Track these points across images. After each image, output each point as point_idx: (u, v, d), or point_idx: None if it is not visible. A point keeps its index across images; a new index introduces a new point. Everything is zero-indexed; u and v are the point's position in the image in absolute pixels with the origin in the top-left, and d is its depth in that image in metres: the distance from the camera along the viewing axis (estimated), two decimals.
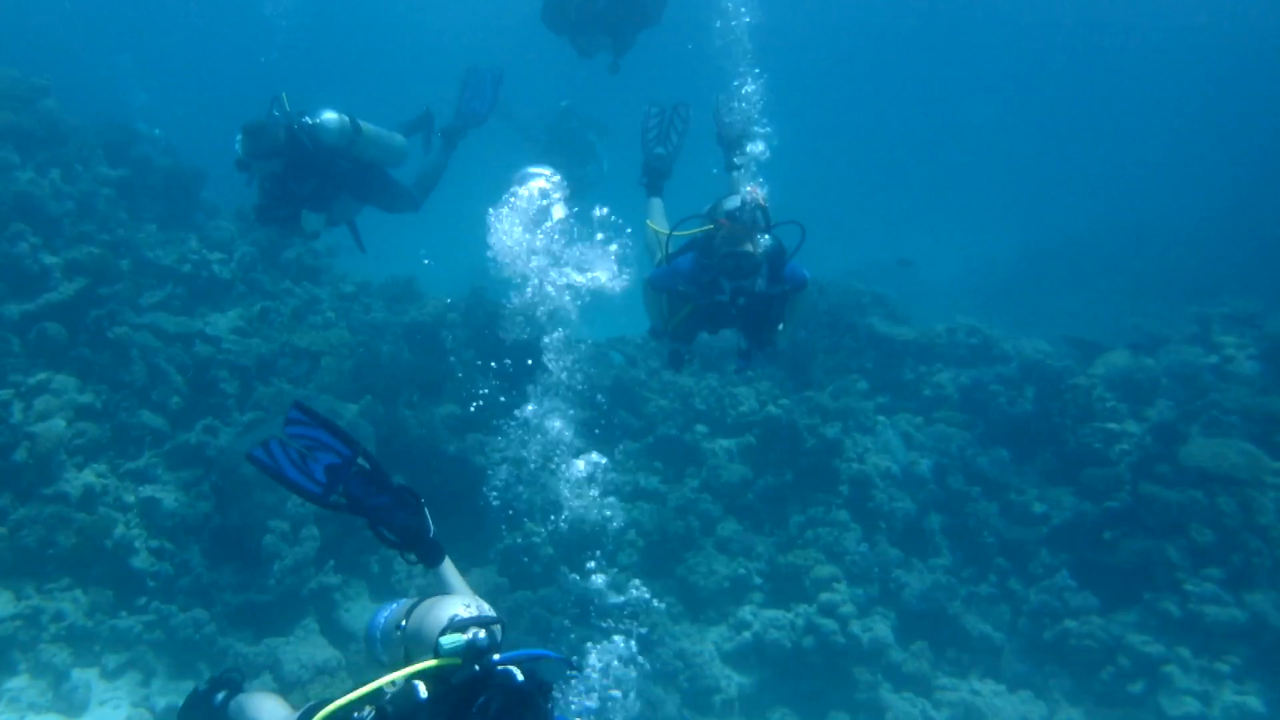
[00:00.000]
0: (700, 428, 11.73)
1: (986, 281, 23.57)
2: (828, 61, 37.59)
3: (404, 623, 3.43)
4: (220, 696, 4.44)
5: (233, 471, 9.46)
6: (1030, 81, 40.24)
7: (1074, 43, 37.85)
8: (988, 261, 25.17)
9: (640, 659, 9.66)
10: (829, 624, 9.60)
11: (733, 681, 9.61)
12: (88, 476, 9.40)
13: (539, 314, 10.70)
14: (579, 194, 17.93)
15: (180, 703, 7.80)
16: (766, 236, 6.50)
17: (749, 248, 6.17)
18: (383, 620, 3.60)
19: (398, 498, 3.91)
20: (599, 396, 11.65)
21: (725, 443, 11.45)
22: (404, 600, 3.63)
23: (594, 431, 11.67)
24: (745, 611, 10.01)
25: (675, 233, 7.04)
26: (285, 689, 8.52)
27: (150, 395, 10.22)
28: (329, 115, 7.90)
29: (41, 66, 14.17)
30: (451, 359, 11.81)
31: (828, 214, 31.99)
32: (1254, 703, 9.02)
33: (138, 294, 11.03)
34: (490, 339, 11.95)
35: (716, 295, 6.38)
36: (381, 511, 3.88)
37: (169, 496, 9.50)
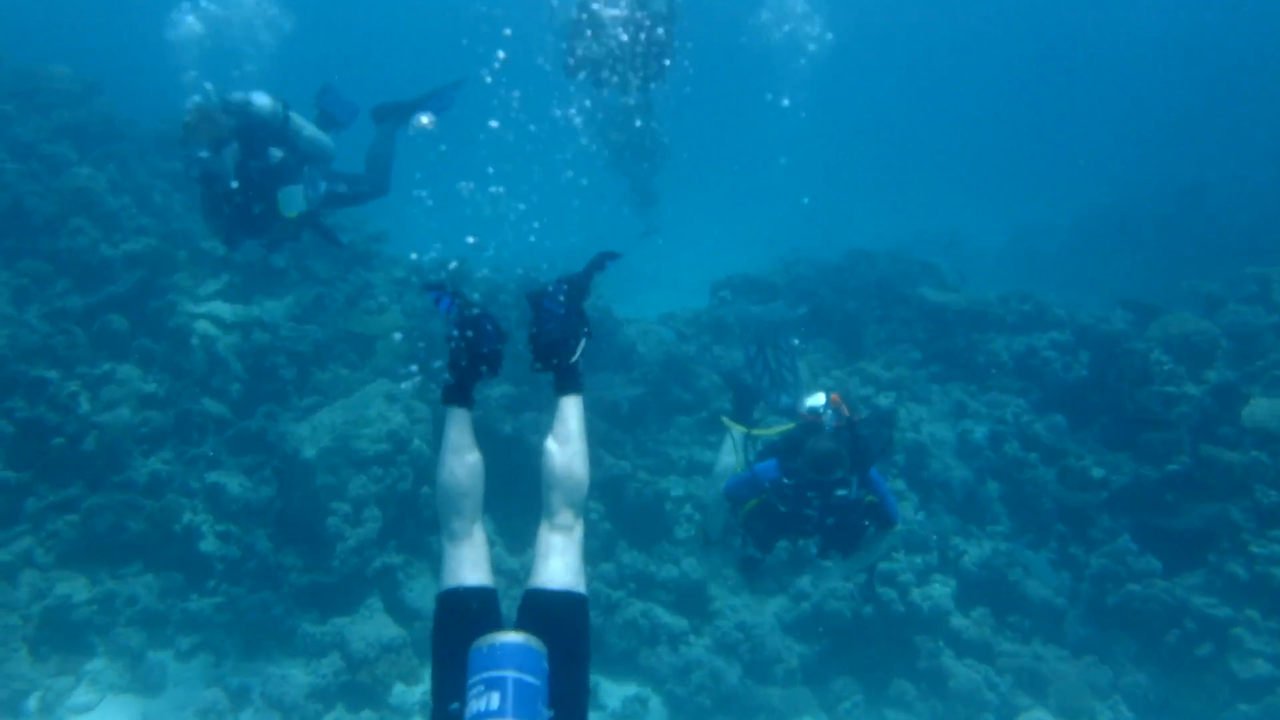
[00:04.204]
0: None
1: (1038, 249, 23.30)
2: (881, 33, 37.18)
3: None
4: (452, 374, 4.03)
5: (294, 457, 9.61)
6: (1077, 44, 39.57)
7: (1120, 4, 37.09)
8: (1039, 229, 24.85)
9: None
10: (889, 592, 9.58)
11: (794, 652, 9.63)
12: (154, 464, 9.62)
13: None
14: (646, 204, 18.08)
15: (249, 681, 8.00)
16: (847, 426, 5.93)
17: (838, 473, 5.56)
18: None
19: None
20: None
21: (777, 421, 11.42)
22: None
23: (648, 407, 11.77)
24: (804, 582, 10.01)
25: (755, 431, 6.50)
26: (353, 667, 8.70)
27: (211, 383, 10.42)
28: (259, 95, 7.43)
29: (94, 62, 14.43)
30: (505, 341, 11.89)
31: (878, 185, 31.87)
32: None
33: (196, 284, 11.22)
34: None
35: (804, 508, 5.82)
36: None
37: (233, 482, 9.69)
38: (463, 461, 3.86)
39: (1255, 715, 8.73)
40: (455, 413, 3.96)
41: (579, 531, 3.82)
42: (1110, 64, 39.33)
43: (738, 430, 6.72)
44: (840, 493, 5.65)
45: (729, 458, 6.77)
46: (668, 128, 16.90)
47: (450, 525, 3.77)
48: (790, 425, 6.28)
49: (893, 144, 38.44)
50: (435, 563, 9.95)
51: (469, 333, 4.01)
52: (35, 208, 11.33)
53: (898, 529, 6.31)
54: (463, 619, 3.45)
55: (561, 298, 4.15)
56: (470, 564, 3.66)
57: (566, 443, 3.94)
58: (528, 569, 3.82)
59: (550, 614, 3.50)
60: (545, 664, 3.21)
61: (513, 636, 3.23)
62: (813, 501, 5.71)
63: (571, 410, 4.02)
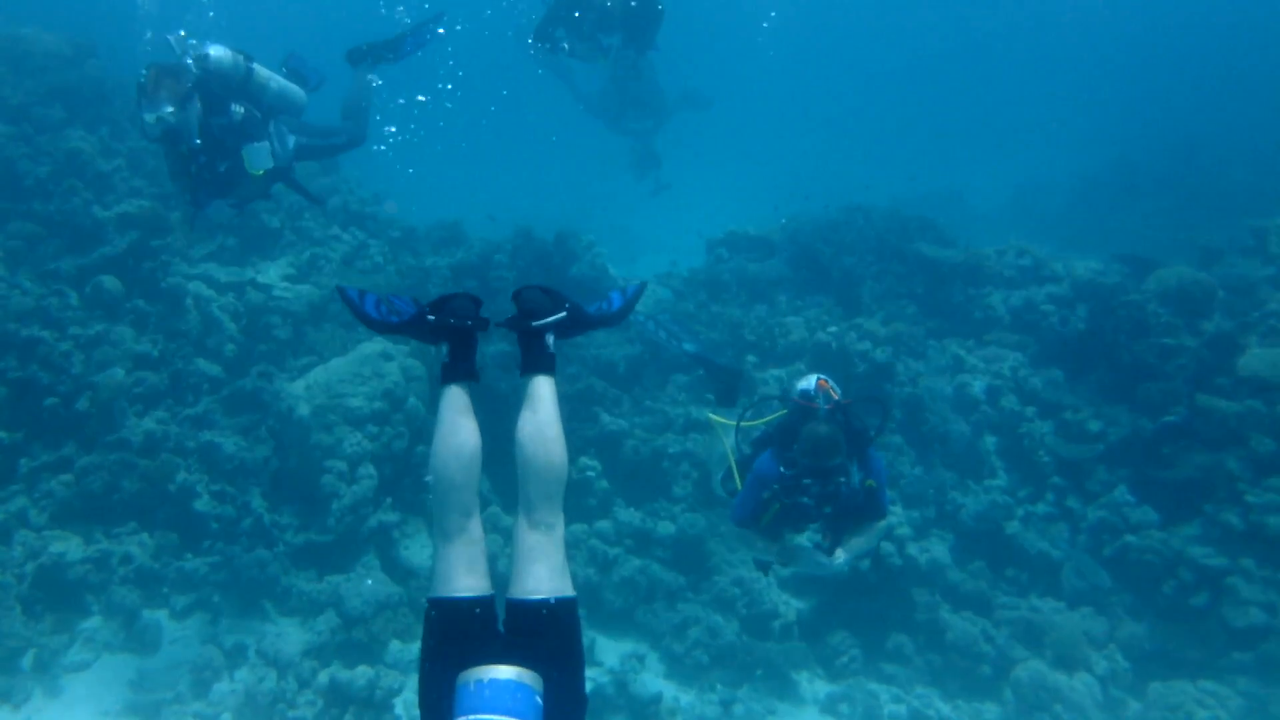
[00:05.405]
0: (750, 358, 11.69)
1: (1037, 207, 23.10)
2: None
3: None
4: (445, 350, 3.82)
5: (288, 415, 9.59)
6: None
7: None
8: (1038, 188, 24.68)
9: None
10: (886, 546, 9.57)
11: (791, 606, 9.67)
12: (148, 423, 9.58)
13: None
14: (650, 164, 18.04)
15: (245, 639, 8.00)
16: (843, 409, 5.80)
17: (835, 459, 5.43)
18: None
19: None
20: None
21: (776, 372, 11.40)
22: None
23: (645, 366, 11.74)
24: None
25: (744, 424, 6.34)
26: (349, 625, 8.72)
27: (205, 343, 10.39)
28: (217, 48, 7.08)
29: (87, 25, 14.33)
30: (499, 300, 11.86)
31: (878, 145, 31.66)
32: None
33: (189, 245, 11.16)
34: (538, 277, 11.98)
35: (800, 497, 5.62)
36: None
37: (228, 441, 9.67)
38: (457, 454, 3.62)
39: (1249, 663, 8.77)
40: (451, 391, 3.76)
41: (560, 529, 3.59)
42: (1110, 20, 38.94)
43: (726, 424, 6.62)
44: (839, 479, 5.50)
45: (719, 446, 6.69)
46: (665, 85, 16.88)
47: (445, 521, 3.56)
48: (781, 413, 6.13)
49: (894, 104, 38.09)
50: (431, 520, 10.00)
51: (438, 316, 3.82)
52: (27, 170, 11.27)
53: (886, 522, 6.16)
54: (455, 633, 3.33)
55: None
56: (465, 565, 3.48)
57: (541, 429, 3.66)
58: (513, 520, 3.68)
59: (538, 626, 3.35)
60: (539, 699, 3.11)
61: (504, 672, 3.11)
62: (810, 489, 5.54)
63: (544, 392, 3.75)
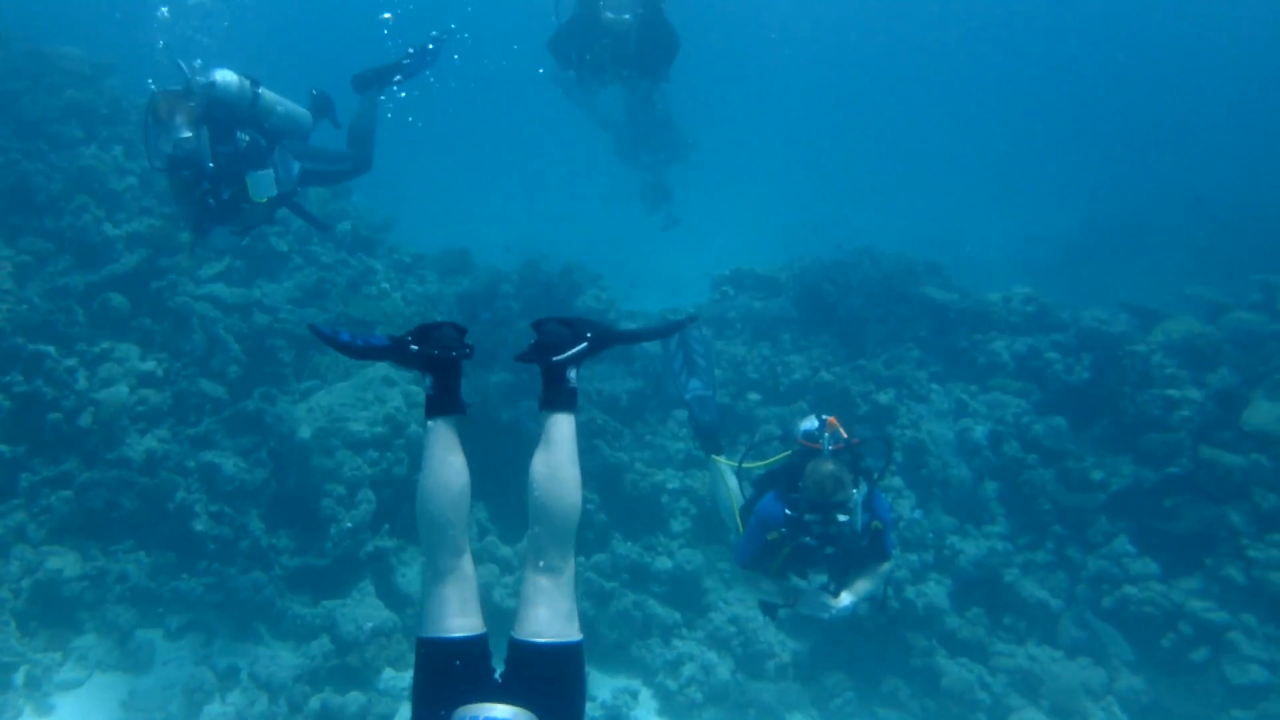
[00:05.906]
0: (753, 396, 11.69)
1: (1043, 256, 23.17)
2: (878, 35, 37.15)
3: None
4: (429, 382, 3.78)
5: (290, 438, 9.59)
6: (1084, 51, 39.39)
7: (1130, 11, 36.86)
8: (1044, 237, 24.75)
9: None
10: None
11: (786, 647, 9.59)
12: (150, 442, 9.57)
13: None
14: (661, 198, 18.01)
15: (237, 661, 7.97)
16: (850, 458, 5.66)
17: (840, 496, 5.36)
18: None
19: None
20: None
21: (777, 410, 11.40)
22: None
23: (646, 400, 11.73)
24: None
25: (746, 465, 6.32)
26: (343, 650, 8.68)
27: (210, 364, 10.40)
28: (224, 74, 7.03)
29: (107, 45, 14.46)
30: (504, 329, 11.88)
31: (881, 192, 31.79)
32: None
33: (197, 266, 11.20)
34: (544, 308, 12.00)
35: (802, 537, 5.54)
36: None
37: (228, 462, 9.65)
38: (445, 491, 3.62)
39: None
40: (437, 427, 3.73)
41: (569, 572, 3.55)
42: (1118, 71, 39.18)
43: (728, 465, 6.57)
44: (842, 518, 5.42)
45: (723, 487, 6.66)
46: (682, 121, 16.93)
47: (435, 559, 3.53)
48: (785, 454, 6.09)
49: (904, 151, 38.28)
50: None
51: (421, 346, 3.82)
52: (40, 186, 11.32)
53: (891, 564, 6.07)
54: (447, 673, 3.31)
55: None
56: (457, 606, 3.46)
57: (554, 470, 3.62)
58: (522, 558, 3.64)
59: (540, 670, 3.35)
60: None
61: (501, 711, 3.10)
62: (811, 528, 5.47)
63: (562, 431, 3.71)
